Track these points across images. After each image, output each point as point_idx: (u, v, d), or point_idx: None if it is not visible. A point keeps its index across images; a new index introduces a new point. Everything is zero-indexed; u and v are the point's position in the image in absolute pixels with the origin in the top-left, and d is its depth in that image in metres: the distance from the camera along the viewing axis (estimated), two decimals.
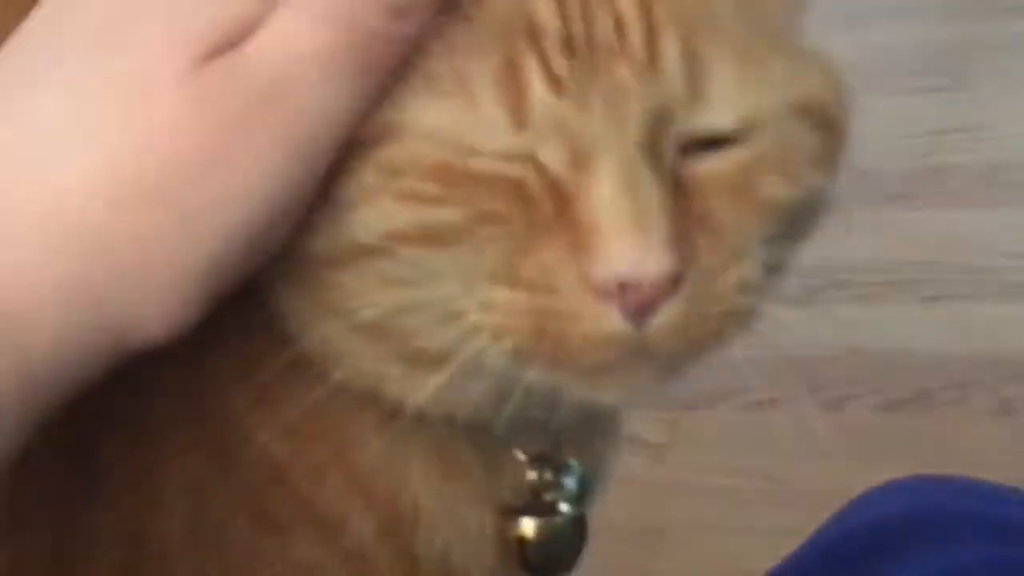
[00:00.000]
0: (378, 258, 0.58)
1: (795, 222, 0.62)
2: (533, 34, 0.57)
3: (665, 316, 0.56)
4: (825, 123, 0.63)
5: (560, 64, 0.57)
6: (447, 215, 0.57)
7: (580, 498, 0.69)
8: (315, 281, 0.60)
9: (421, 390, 0.61)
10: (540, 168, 0.57)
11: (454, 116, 0.57)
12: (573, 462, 0.70)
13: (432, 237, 0.58)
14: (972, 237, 1.70)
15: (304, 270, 0.60)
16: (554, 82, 0.56)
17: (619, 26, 0.58)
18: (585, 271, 0.55)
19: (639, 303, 0.56)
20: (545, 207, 0.57)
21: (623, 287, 0.55)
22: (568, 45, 0.58)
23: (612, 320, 0.56)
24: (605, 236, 0.56)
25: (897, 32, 2.07)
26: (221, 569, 0.67)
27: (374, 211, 0.57)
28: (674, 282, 0.56)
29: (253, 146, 0.57)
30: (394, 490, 0.67)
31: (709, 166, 0.59)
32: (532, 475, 0.69)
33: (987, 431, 1.49)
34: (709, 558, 1.49)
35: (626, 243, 0.55)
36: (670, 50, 0.58)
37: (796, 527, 0.89)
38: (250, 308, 0.64)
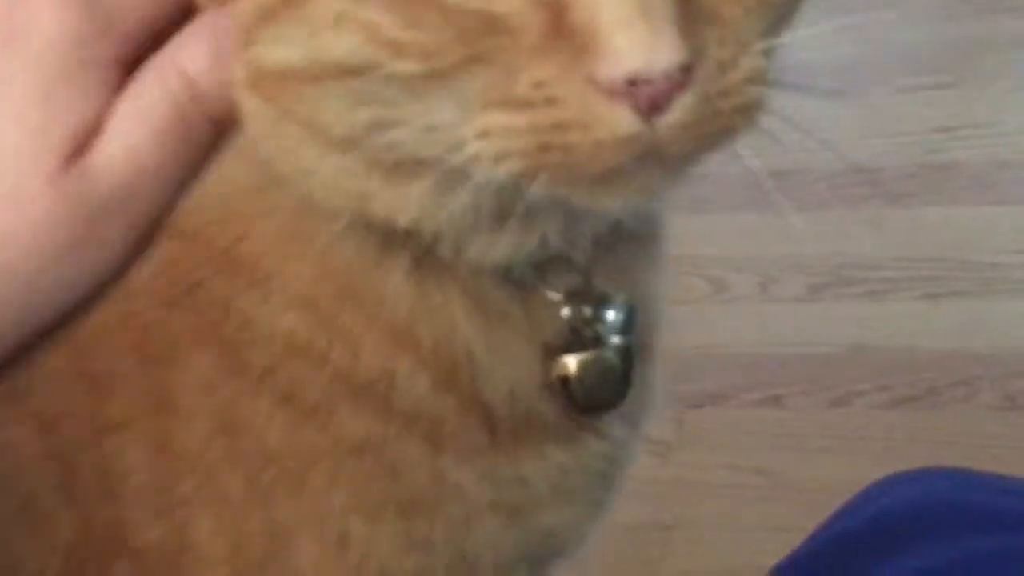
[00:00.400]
0: (352, 79, 0.56)
1: (791, 6, 0.60)
2: None
3: (678, 111, 0.54)
4: None
5: None
6: (408, 66, 0.55)
7: (626, 328, 0.68)
8: (287, 96, 0.59)
9: (407, 202, 0.60)
10: None
11: None
12: (612, 293, 0.68)
13: (397, 81, 0.55)
14: (977, 234, 1.69)
15: (275, 84, 0.59)
16: None
17: None
18: (590, 73, 0.53)
19: (651, 98, 0.53)
20: (531, 24, 0.54)
21: (633, 83, 0.53)
22: None
23: (623, 120, 0.54)
24: (611, 34, 0.53)
25: (900, 29, 2.07)
26: (267, 473, 0.65)
27: (342, 37, 0.55)
28: (686, 73, 0.54)
29: (103, 241, 0.61)
30: (441, 336, 0.66)
31: None
32: (567, 312, 0.67)
33: (994, 427, 1.49)
34: (717, 555, 1.49)
35: (633, 34, 0.53)
36: None
37: (803, 523, 0.89)
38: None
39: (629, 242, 0.66)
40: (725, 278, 1.60)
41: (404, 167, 0.59)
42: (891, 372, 1.52)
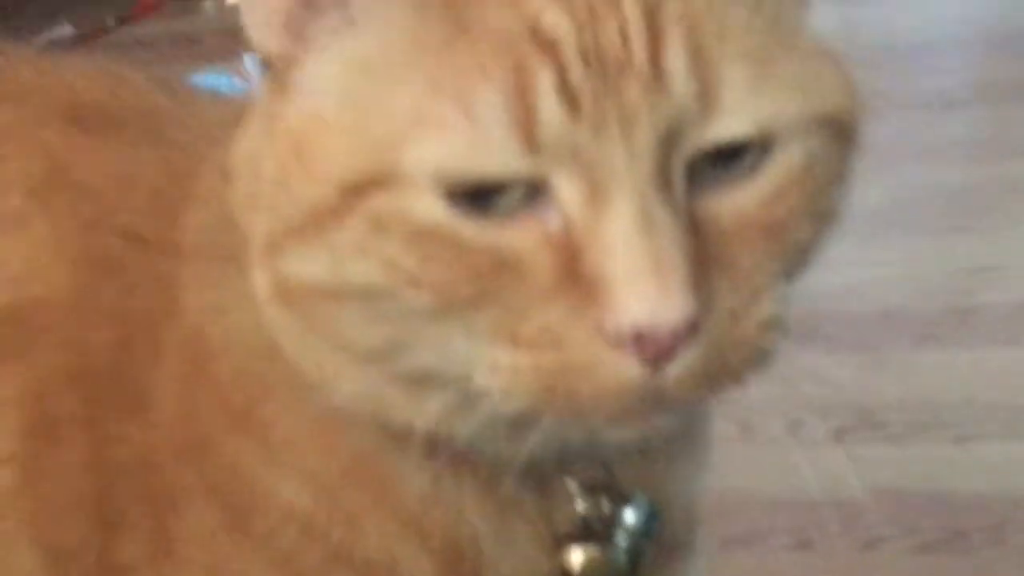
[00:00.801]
0: (372, 300, 0.57)
1: (811, 248, 0.60)
2: (544, 42, 0.54)
3: (684, 363, 0.54)
4: (844, 132, 0.60)
5: (577, 75, 0.54)
6: (422, 299, 0.55)
7: (643, 533, 0.66)
8: (310, 309, 0.59)
9: (425, 412, 0.60)
10: (545, 216, 0.54)
11: (459, 145, 0.54)
12: (635, 492, 0.66)
13: (412, 312, 0.56)
14: (1004, 376, 1.69)
15: (301, 297, 0.59)
16: (570, 99, 0.54)
17: (625, 35, 0.55)
18: (597, 322, 0.53)
19: (657, 351, 0.54)
20: (544, 269, 0.54)
21: (639, 336, 0.53)
22: (584, 54, 0.54)
23: (628, 369, 0.54)
24: (620, 285, 0.53)
25: (926, 173, 2.09)
26: None
27: (363, 265, 0.56)
28: (693, 328, 0.54)
29: None
30: (449, 524, 0.65)
31: (731, 203, 0.57)
32: (582, 505, 0.66)
33: None
34: None
35: (642, 289, 0.53)
36: (677, 59, 0.54)
37: None
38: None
39: (663, 440, 0.64)
40: (751, 420, 1.59)
41: (422, 382, 0.59)
42: (919, 516, 1.50)
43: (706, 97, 0.55)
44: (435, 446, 0.61)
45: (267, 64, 0.61)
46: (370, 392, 0.61)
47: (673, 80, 0.54)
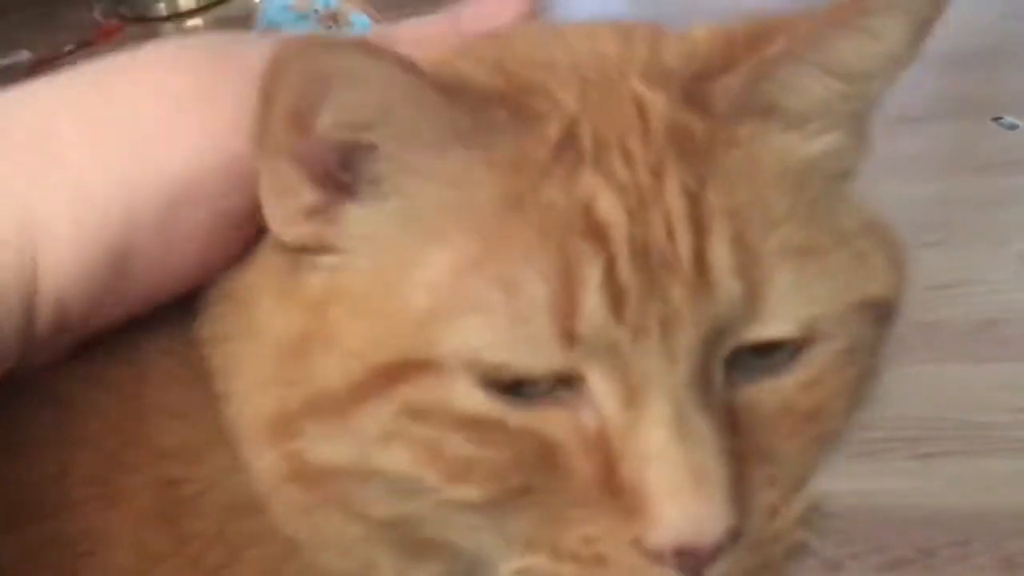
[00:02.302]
0: (400, 484, 0.54)
1: (846, 429, 0.58)
2: (596, 232, 0.52)
3: (724, 567, 0.52)
4: (888, 315, 0.59)
5: (626, 272, 0.52)
6: (467, 493, 0.53)
7: None
8: (331, 487, 0.56)
9: None
10: (582, 411, 0.52)
11: (497, 332, 0.52)
12: None
13: (452, 506, 0.53)
14: (968, 392, 1.69)
15: (319, 477, 0.56)
16: (615, 297, 0.51)
17: (668, 225, 0.53)
18: (637, 536, 0.51)
19: (697, 563, 0.52)
20: (583, 471, 0.52)
21: (681, 550, 0.51)
22: (634, 248, 0.52)
23: None
24: (659, 500, 0.51)
25: (884, 189, 2.09)
26: None
27: (396, 456, 0.53)
28: (734, 535, 0.52)
29: None
30: None
31: (770, 392, 0.55)
32: None
33: None
34: None
35: (683, 506, 0.51)
36: (723, 258, 0.53)
37: None
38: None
39: None
40: None
41: (426, 547, 0.57)
42: (885, 533, 1.50)
43: (751, 299, 0.53)
44: None
45: (288, 248, 0.58)
46: (361, 553, 0.59)
47: (718, 281, 0.52)
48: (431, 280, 0.53)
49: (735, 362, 0.54)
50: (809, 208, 0.56)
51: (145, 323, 0.61)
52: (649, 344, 0.51)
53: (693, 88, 0.56)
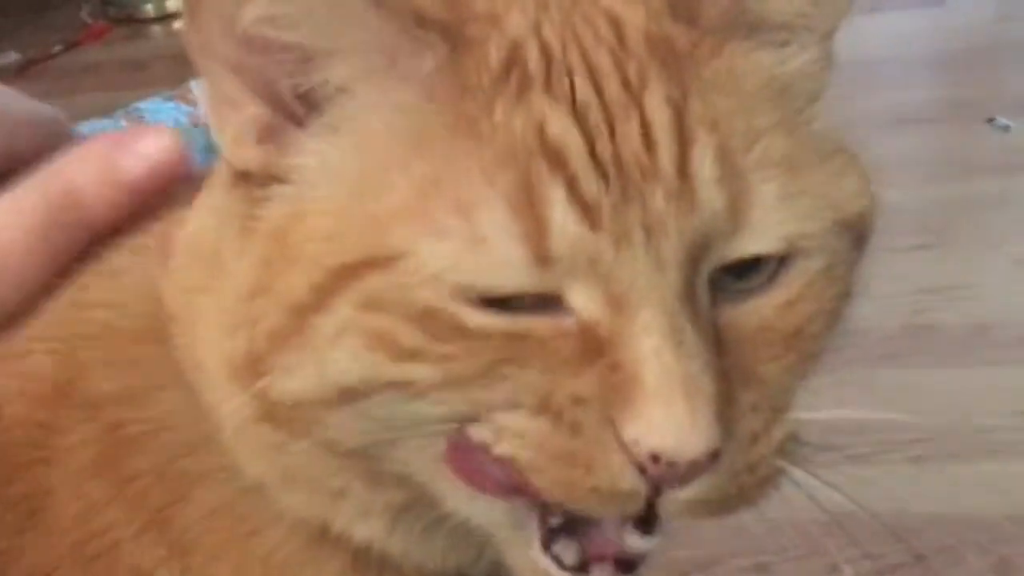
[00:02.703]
0: (360, 400, 0.54)
1: (823, 352, 0.58)
2: (552, 154, 0.52)
3: (694, 490, 0.52)
4: (862, 236, 0.59)
5: (591, 187, 0.51)
6: (422, 373, 0.52)
7: None
8: (299, 422, 0.56)
9: (371, 516, 0.59)
10: (562, 315, 0.52)
11: (458, 256, 0.51)
12: None
13: (406, 389, 0.53)
14: (962, 396, 1.68)
15: (288, 413, 0.56)
16: (586, 211, 0.51)
17: (648, 139, 0.52)
18: (617, 421, 0.50)
19: (669, 478, 0.51)
20: (569, 349, 0.52)
21: (656, 456, 0.50)
22: (598, 164, 0.52)
23: (630, 480, 0.51)
24: (650, 398, 0.50)
25: (882, 192, 2.08)
26: None
27: (347, 353, 0.53)
28: (714, 457, 0.51)
29: None
30: None
31: (751, 312, 0.55)
32: None
33: None
34: None
35: (672, 414, 0.50)
36: (707, 169, 0.52)
37: None
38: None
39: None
40: None
41: (391, 480, 0.57)
42: (879, 538, 1.49)
43: (735, 211, 0.53)
44: (364, 558, 0.60)
45: (240, 176, 0.58)
46: (327, 491, 0.59)
47: (702, 190, 0.52)
48: (392, 200, 0.53)
49: (717, 283, 0.54)
50: (791, 123, 0.56)
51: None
52: (634, 251, 0.51)
53: (679, 1, 0.56)
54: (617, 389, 0.51)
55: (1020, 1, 2.76)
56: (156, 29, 3.41)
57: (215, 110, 0.57)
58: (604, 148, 0.52)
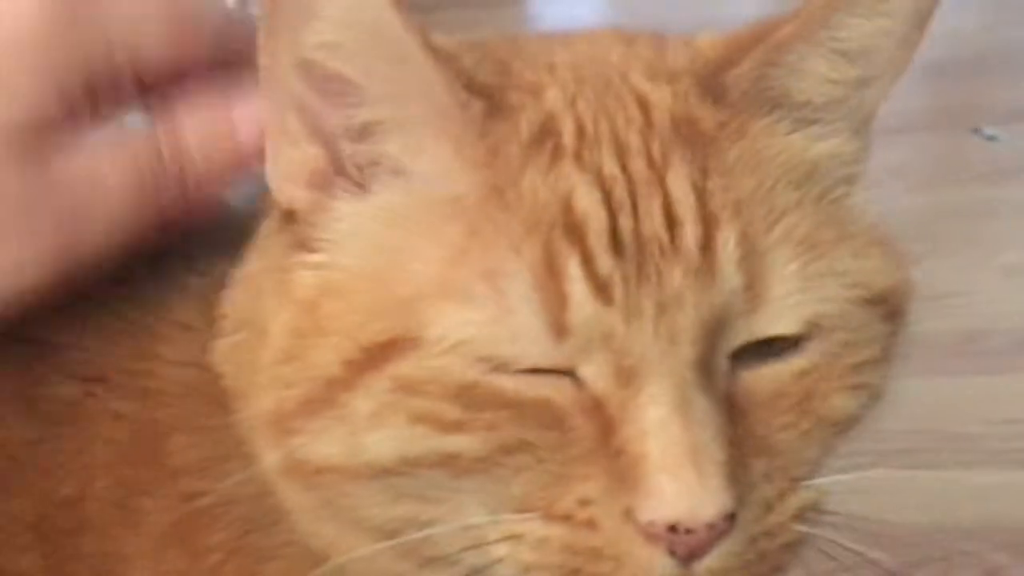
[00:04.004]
0: (393, 477, 0.54)
1: (852, 423, 0.61)
2: (574, 227, 0.52)
3: (718, 557, 0.53)
4: (898, 312, 0.61)
5: (606, 264, 0.52)
6: (467, 443, 0.53)
7: None
8: (326, 488, 0.57)
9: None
10: (578, 386, 0.53)
11: (484, 325, 0.52)
12: None
13: (451, 464, 0.53)
14: (952, 404, 1.68)
15: (315, 476, 0.56)
16: (599, 287, 0.52)
17: (670, 217, 0.53)
18: (631, 507, 0.51)
19: (691, 547, 0.52)
20: (583, 432, 0.52)
21: (674, 529, 0.51)
22: (615, 240, 0.52)
23: (658, 563, 0.52)
24: (656, 473, 0.51)
25: (872, 201, 2.08)
26: None
27: (388, 433, 0.53)
28: (729, 521, 0.52)
29: (33, 236, 0.59)
30: None
31: (767, 377, 0.56)
32: None
33: None
34: None
35: (680, 484, 0.51)
36: (728, 249, 0.53)
37: None
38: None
39: None
40: None
41: (432, 561, 0.57)
42: (869, 547, 1.49)
43: (753, 291, 0.54)
44: None
45: (285, 217, 0.58)
46: (375, 569, 0.59)
47: (722, 269, 0.53)
48: (421, 271, 0.53)
49: (735, 354, 0.55)
50: (814, 204, 0.58)
51: (152, 335, 0.62)
52: (644, 325, 0.52)
53: (706, 81, 0.57)
54: (625, 475, 0.51)
55: (1006, 11, 2.76)
56: None
57: (273, 140, 0.57)
58: (626, 224, 0.53)
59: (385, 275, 0.54)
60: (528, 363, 0.52)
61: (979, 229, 2.06)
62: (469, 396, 0.53)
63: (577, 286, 0.52)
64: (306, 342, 0.55)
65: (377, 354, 0.53)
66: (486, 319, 0.52)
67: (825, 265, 0.56)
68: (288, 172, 0.57)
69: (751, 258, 0.54)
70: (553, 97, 0.56)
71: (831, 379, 0.57)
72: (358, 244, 0.56)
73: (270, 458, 0.58)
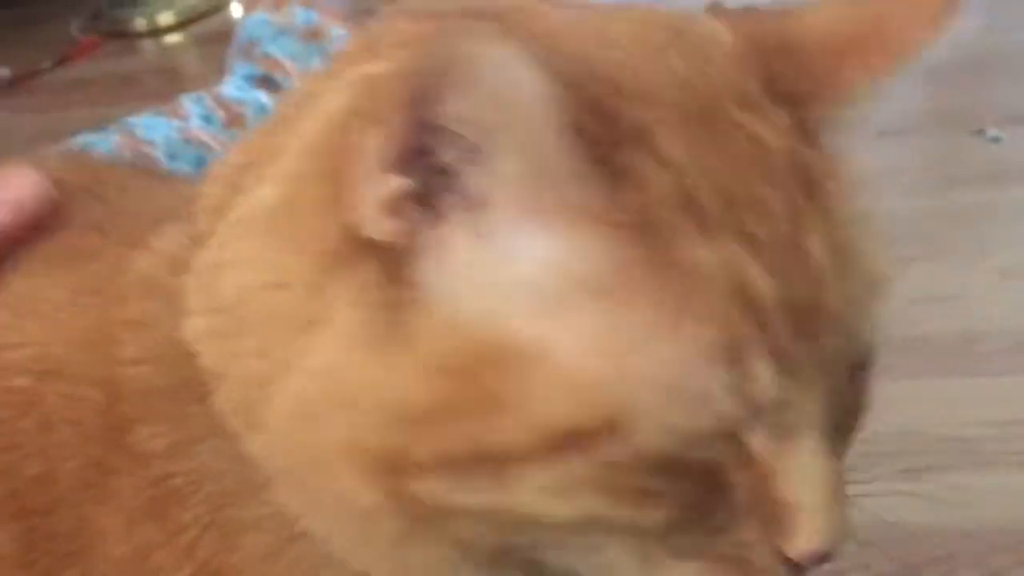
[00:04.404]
0: (543, 529, 0.55)
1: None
2: (748, 301, 0.53)
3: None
4: None
5: (782, 336, 0.54)
6: (642, 512, 0.54)
7: None
8: (441, 521, 0.56)
9: None
10: (738, 443, 0.55)
11: (676, 405, 0.52)
12: None
13: (619, 527, 0.55)
14: (949, 407, 1.68)
15: (435, 515, 0.55)
16: (779, 359, 0.53)
17: (818, 279, 0.55)
18: (783, 547, 0.57)
19: (818, 561, 0.58)
20: (741, 485, 0.56)
21: (812, 556, 0.57)
22: (784, 310, 0.54)
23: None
24: (811, 519, 0.56)
25: (870, 204, 2.08)
26: None
27: (555, 502, 0.53)
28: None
29: None
30: None
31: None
32: None
33: None
34: None
35: (829, 523, 0.57)
36: (864, 305, 0.58)
37: None
38: None
39: None
40: None
41: (512, 561, 0.58)
42: (867, 550, 1.49)
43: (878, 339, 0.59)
44: None
45: (367, 249, 0.55)
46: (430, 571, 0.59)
47: (864, 326, 0.58)
48: (591, 350, 0.52)
49: None
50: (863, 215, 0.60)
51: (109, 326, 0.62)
52: (811, 390, 0.55)
53: (802, 116, 0.57)
54: (778, 520, 0.56)
55: (1009, 12, 2.76)
56: (147, 44, 3.40)
57: (364, 172, 0.54)
58: (786, 291, 0.53)
59: (554, 352, 0.52)
60: (710, 434, 0.54)
61: (979, 231, 2.06)
62: (651, 470, 0.53)
63: (761, 362, 0.53)
64: (461, 410, 0.53)
65: (561, 438, 0.52)
66: (677, 399, 0.52)
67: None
68: (381, 201, 0.54)
69: (879, 303, 0.59)
70: (667, 146, 0.53)
71: None
72: (507, 308, 0.53)
73: (352, 489, 0.56)
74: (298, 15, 2.17)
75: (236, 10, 3.31)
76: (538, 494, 0.53)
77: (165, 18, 3.44)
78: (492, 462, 0.53)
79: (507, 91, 0.50)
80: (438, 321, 0.54)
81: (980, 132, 2.28)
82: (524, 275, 0.53)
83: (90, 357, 0.64)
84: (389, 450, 0.54)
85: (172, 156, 1.86)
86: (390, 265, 0.55)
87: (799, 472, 0.56)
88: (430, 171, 0.53)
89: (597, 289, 0.52)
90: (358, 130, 0.54)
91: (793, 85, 0.57)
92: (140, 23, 3.45)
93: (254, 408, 0.59)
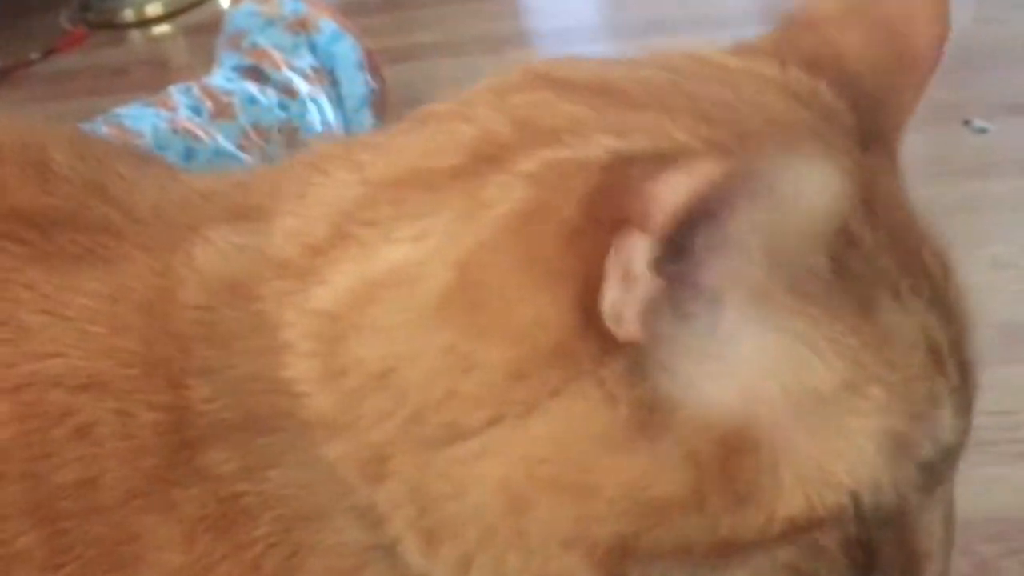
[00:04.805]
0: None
1: None
2: (935, 350, 0.58)
3: None
4: None
5: (955, 379, 0.59)
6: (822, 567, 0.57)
7: None
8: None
9: None
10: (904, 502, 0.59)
11: (886, 488, 0.57)
12: None
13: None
14: None
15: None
16: (957, 405, 0.59)
17: (959, 325, 0.60)
18: None
19: None
20: (888, 545, 0.60)
21: None
22: (954, 358, 0.58)
23: None
24: (933, 563, 0.61)
25: None
26: None
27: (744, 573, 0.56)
28: None
29: None
30: None
31: None
32: None
33: None
34: None
35: (941, 565, 0.62)
36: (977, 344, 0.61)
37: None
38: None
39: None
40: None
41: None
42: None
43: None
44: None
45: (617, 347, 0.55)
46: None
47: (979, 364, 0.63)
48: (831, 426, 0.56)
49: None
50: None
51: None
52: (959, 428, 0.61)
53: (891, 151, 0.60)
54: (909, 566, 0.61)
55: (997, 3, 2.76)
56: (135, 35, 3.39)
57: (621, 273, 0.54)
58: (952, 337, 0.60)
59: (796, 441, 0.55)
60: (908, 488, 0.60)
61: (968, 222, 2.06)
62: (846, 546, 0.58)
63: (948, 410, 0.59)
64: (716, 506, 0.55)
65: (798, 526, 0.55)
66: (893, 460, 0.57)
67: None
68: (632, 305, 0.54)
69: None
70: (866, 231, 0.58)
71: None
72: (754, 402, 0.55)
73: (573, 568, 0.57)
74: (286, 5, 2.17)
75: (224, 0, 3.30)
76: (748, 574, 0.57)
77: (153, 9, 3.43)
78: (727, 548, 0.55)
79: (805, 202, 0.51)
80: (686, 415, 0.55)
81: (967, 123, 2.28)
82: (765, 368, 0.55)
83: (146, 378, 0.64)
84: (622, 537, 0.56)
85: (160, 147, 1.85)
86: (636, 360, 0.55)
87: (933, 524, 0.61)
88: (682, 272, 0.54)
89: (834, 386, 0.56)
90: (599, 230, 0.53)
91: (875, 123, 0.60)
92: (128, 14, 3.44)
93: (386, 463, 0.59)
